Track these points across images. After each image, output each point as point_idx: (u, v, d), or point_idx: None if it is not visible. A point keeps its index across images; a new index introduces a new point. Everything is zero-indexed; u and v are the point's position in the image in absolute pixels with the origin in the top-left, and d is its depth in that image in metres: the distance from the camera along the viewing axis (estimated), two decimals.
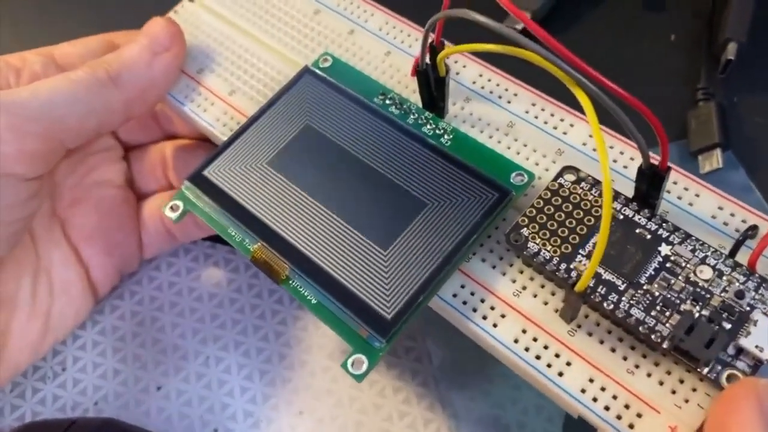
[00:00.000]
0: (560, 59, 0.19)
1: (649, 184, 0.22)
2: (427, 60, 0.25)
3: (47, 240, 0.31)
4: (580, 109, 0.25)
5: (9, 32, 0.44)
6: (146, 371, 0.32)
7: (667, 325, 0.21)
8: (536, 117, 0.27)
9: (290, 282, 0.24)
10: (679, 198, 0.24)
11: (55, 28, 0.32)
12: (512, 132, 0.27)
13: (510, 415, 0.30)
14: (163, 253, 0.35)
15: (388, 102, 0.27)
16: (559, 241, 0.23)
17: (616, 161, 0.25)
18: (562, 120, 0.27)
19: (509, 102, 0.27)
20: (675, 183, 0.25)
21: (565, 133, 0.26)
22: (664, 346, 0.21)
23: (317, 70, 0.28)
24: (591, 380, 0.22)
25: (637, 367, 0.22)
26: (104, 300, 0.34)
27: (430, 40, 0.25)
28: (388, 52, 0.30)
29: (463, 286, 0.24)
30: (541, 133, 0.26)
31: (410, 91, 0.28)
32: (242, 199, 0.26)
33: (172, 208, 0.27)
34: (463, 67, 0.29)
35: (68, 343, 0.33)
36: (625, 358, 0.22)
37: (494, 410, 0.30)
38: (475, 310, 0.23)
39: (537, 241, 0.23)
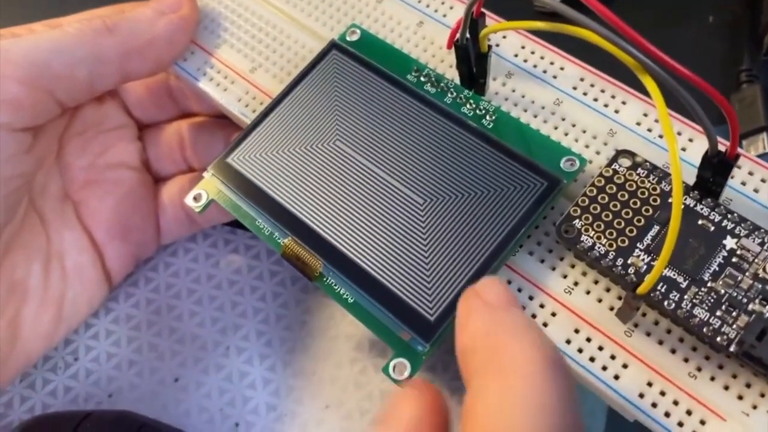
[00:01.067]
0: (621, 37, 0.18)
1: (715, 172, 0.21)
2: (468, 34, 0.24)
3: (59, 223, 0.31)
4: (633, 85, 0.24)
5: (19, 13, 0.44)
6: (163, 362, 0.32)
7: (734, 326, 0.20)
8: (585, 94, 0.26)
9: (324, 279, 0.23)
10: (743, 183, 0.23)
11: (64, 8, 0.31)
12: (559, 111, 0.25)
13: None
14: (181, 238, 0.34)
15: (423, 79, 0.26)
16: (614, 233, 0.22)
17: None
18: (613, 97, 0.25)
19: (555, 77, 0.26)
20: (739, 167, 0.23)
21: (617, 112, 0.25)
22: (732, 349, 0.20)
23: (345, 44, 0.27)
24: (650, 384, 0.21)
25: (699, 370, 0.21)
26: (118, 287, 0.33)
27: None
28: (421, 22, 0.28)
29: (509, 282, 0.23)
30: (591, 112, 0.25)
31: (446, 65, 0.27)
32: (270, 188, 0.25)
33: (195, 198, 0.26)
34: (503, 38, 0.27)
35: (80, 332, 0.33)
36: (686, 360, 0.21)
37: None
38: (523, 308, 0.22)
39: (590, 234, 0.22)
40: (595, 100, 0.25)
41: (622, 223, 0.22)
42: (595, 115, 0.25)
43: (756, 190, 0.23)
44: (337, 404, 0.30)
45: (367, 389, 0.30)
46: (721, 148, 0.21)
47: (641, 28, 0.38)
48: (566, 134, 0.25)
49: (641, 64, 0.18)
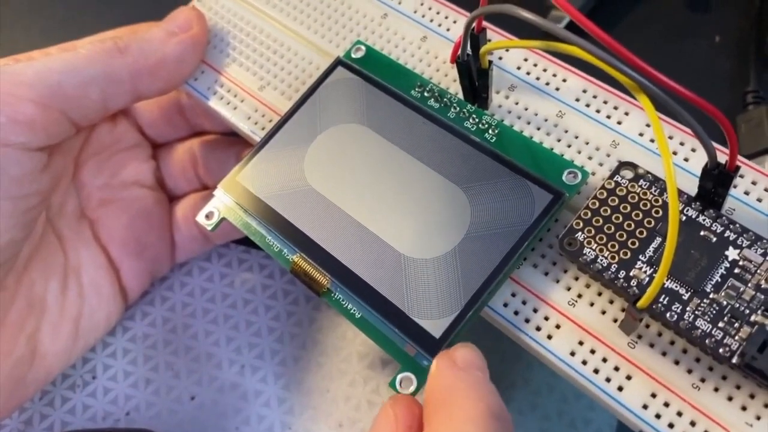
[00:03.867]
0: (615, 57, 0.19)
1: (716, 184, 0.22)
2: (469, 51, 0.25)
3: (75, 240, 0.32)
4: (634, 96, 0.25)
5: (37, 32, 0.46)
6: (179, 380, 0.33)
7: (737, 337, 0.21)
8: (588, 105, 0.26)
9: (332, 295, 0.24)
10: (746, 193, 0.24)
11: (80, 28, 0.33)
12: (562, 123, 0.26)
13: (557, 428, 0.30)
14: (195, 255, 0.35)
15: (426, 94, 0.27)
16: (616, 246, 0.23)
17: (677, 153, 0.25)
18: (615, 108, 0.26)
19: (558, 89, 0.27)
20: (742, 176, 0.24)
21: (619, 123, 0.26)
22: (734, 361, 0.20)
23: (350, 61, 0.28)
24: (653, 395, 0.22)
25: (702, 380, 0.22)
26: (134, 306, 0.35)
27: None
28: (425, 37, 0.29)
29: (514, 294, 0.24)
30: (594, 124, 0.26)
31: (450, 79, 0.28)
32: (278, 206, 0.26)
33: (207, 216, 0.27)
34: (506, 50, 0.28)
35: (98, 350, 0.34)
36: (689, 371, 0.22)
37: (541, 423, 0.30)
38: (527, 321, 0.23)
39: (593, 246, 0.23)
40: (598, 111, 0.26)
41: (624, 236, 0.23)
42: (598, 127, 0.26)
43: (759, 200, 0.23)
44: (350, 423, 0.31)
45: (380, 407, 0.31)
46: (722, 158, 0.21)
47: (648, 47, 0.39)
48: (569, 146, 0.26)
49: (635, 82, 0.19)
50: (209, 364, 0.33)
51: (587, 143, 0.26)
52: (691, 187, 0.23)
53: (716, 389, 0.21)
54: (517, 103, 0.27)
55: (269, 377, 0.33)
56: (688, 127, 0.19)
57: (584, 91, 0.27)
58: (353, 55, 0.29)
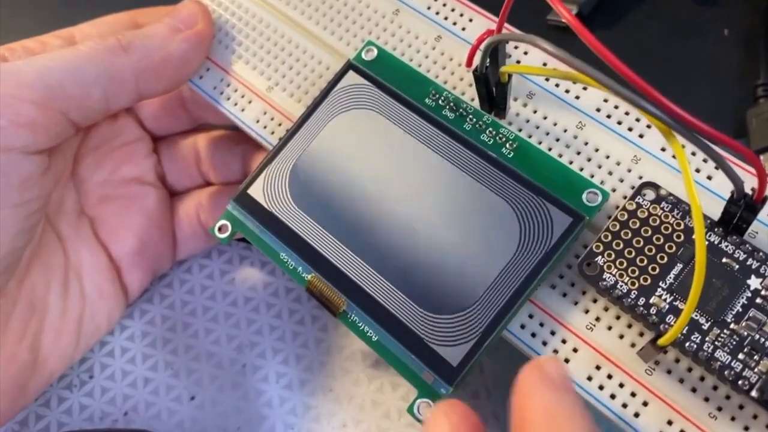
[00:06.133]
0: (642, 97, 0.19)
1: (741, 212, 0.22)
2: (487, 62, 0.25)
3: (75, 239, 0.32)
4: None
5: (31, 19, 0.46)
6: (178, 380, 0.33)
7: (756, 370, 0.21)
8: (609, 116, 0.27)
9: (348, 317, 0.25)
10: None
11: (76, 13, 0.33)
12: (582, 135, 0.27)
13: None
14: (197, 253, 0.36)
15: (441, 103, 0.27)
16: (637, 271, 0.23)
17: (699, 171, 0.25)
18: (638, 120, 0.26)
19: (578, 98, 0.27)
20: (766, 196, 0.24)
21: (641, 136, 0.26)
22: (753, 395, 0.21)
23: (361, 65, 0.28)
24: (670, 422, 0.22)
25: (719, 409, 0.22)
26: (133, 304, 0.35)
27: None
28: (439, 37, 0.29)
29: (531, 316, 0.24)
30: (615, 137, 0.26)
31: (465, 83, 0.28)
32: (290, 221, 0.26)
33: (220, 229, 0.28)
34: (525, 54, 0.28)
35: (95, 349, 0.34)
36: (706, 400, 0.23)
37: None
38: (545, 344, 0.24)
39: (613, 271, 0.23)
40: (619, 123, 0.26)
41: (645, 261, 0.23)
42: (619, 140, 0.26)
43: None
44: (354, 422, 0.32)
45: (385, 407, 0.32)
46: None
47: (656, 42, 0.40)
48: (589, 160, 0.26)
49: (666, 125, 0.19)
50: (209, 364, 0.34)
51: (608, 157, 0.26)
52: (713, 207, 0.23)
53: (733, 418, 0.22)
54: (535, 112, 0.27)
55: (271, 376, 0.33)
56: (716, 162, 0.20)
57: (605, 101, 0.27)
58: (364, 57, 0.28)
